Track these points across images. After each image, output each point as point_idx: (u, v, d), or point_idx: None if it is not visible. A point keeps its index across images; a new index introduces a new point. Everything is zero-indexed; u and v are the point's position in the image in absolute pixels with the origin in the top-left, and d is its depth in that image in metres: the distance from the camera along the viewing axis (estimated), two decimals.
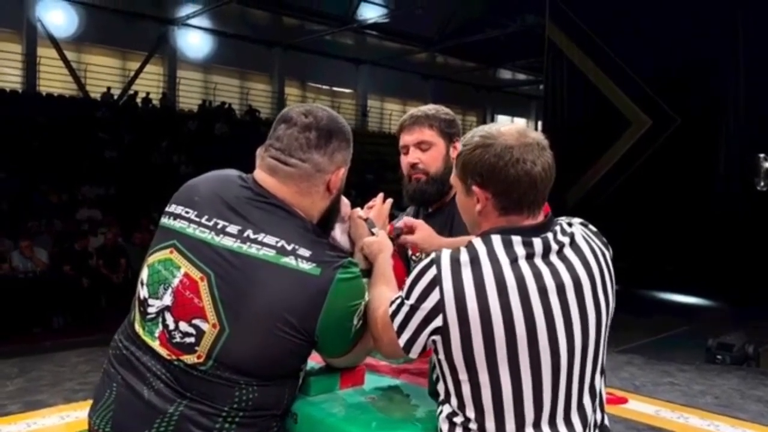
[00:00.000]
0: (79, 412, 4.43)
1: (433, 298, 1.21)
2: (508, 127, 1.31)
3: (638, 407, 5.04)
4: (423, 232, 1.74)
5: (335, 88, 22.24)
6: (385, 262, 1.54)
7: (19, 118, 12.58)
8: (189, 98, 18.32)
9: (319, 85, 21.92)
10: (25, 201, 10.40)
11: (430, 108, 1.99)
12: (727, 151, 10.72)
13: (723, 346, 6.69)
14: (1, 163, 11.34)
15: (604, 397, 1.35)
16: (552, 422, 1.23)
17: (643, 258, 9.99)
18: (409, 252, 2.09)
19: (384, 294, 1.41)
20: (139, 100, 16.55)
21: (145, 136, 14.46)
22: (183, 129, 16.04)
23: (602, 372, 1.32)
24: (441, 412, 1.30)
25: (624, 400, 5.08)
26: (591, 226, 1.38)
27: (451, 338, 1.21)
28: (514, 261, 1.21)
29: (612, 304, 1.31)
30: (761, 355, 6.65)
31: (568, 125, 12.45)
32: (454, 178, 1.39)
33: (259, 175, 1.42)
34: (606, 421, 1.35)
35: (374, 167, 16.48)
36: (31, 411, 4.60)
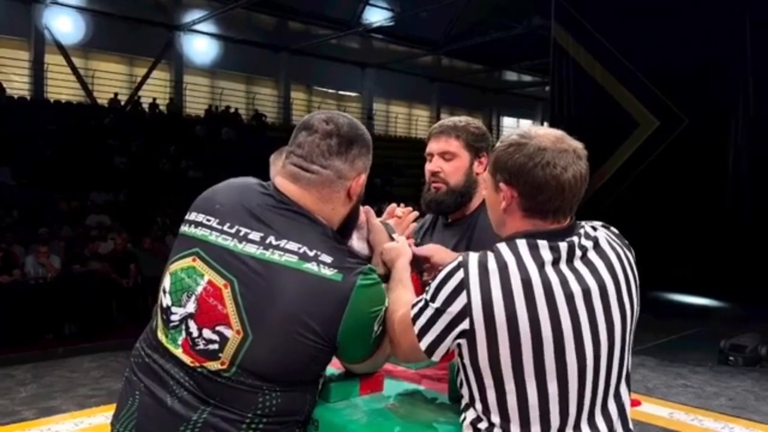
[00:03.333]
0: (93, 418, 4.43)
1: (460, 302, 1.20)
2: (548, 130, 1.29)
3: (652, 410, 5.02)
4: (435, 247, 1.74)
5: (341, 92, 22.30)
6: (403, 268, 1.53)
7: (28, 125, 12.65)
8: (196, 103, 18.40)
9: (325, 89, 21.97)
10: (35, 208, 10.45)
11: (461, 119, 1.99)
12: (735, 151, 10.68)
13: (736, 347, 6.66)
14: (11, 169, 11.42)
15: (628, 403, 1.33)
16: (577, 427, 1.22)
17: (652, 259, 9.94)
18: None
19: (402, 298, 1.41)
20: (146, 105, 16.63)
21: (152, 141, 14.54)
22: (190, 134, 16.11)
23: (627, 376, 1.31)
24: (465, 417, 1.29)
25: (637, 403, 5.05)
26: (613, 229, 1.37)
27: (477, 343, 1.20)
28: (541, 267, 1.20)
29: (637, 307, 1.31)
30: None
31: (575, 127, 12.40)
32: (486, 173, 1.39)
33: (280, 182, 1.42)
34: (630, 426, 1.34)
35: (380, 171, 16.50)
36: (45, 417, 4.61)
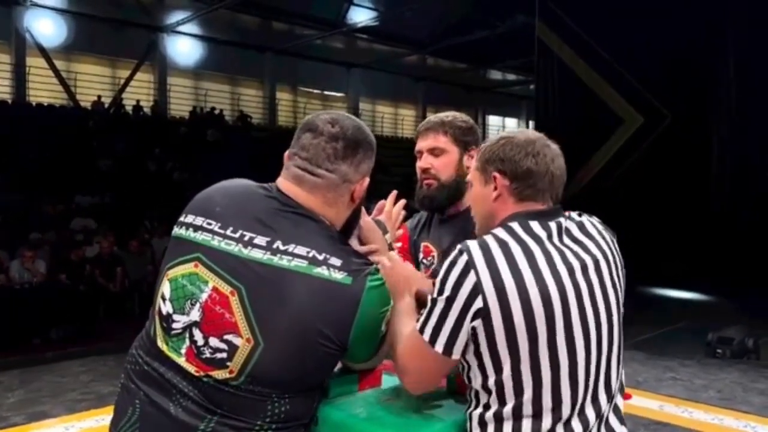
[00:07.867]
0: (83, 422, 4.40)
1: (470, 281, 1.21)
2: (528, 131, 1.43)
3: (642, 403, 5.06)
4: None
5: (327, 92, 22.26)
6: (411, 301, 1.46)
7: (10, 129, 12.50)
8: (180, 105, 18.27)
9: (311, 90, 21.92)
10: (19, 212, 10.33)
11: (447, 115, 1.99)
12: (719, 145, 10.80)
13: (723, 340, 6.72)
14: None
15: (623, 374, 1.39)
16: (584, 400, 1.26)
17: (639, 254, 10.00)
18: (420, 255, 2.08)
19: (407, 325, 1.37)
20: (130, 108, 16.50)
21: (137, 143, 14.42)
22: (175, 136, 16.00)
23: (621, 354, 1.36)
24: (474, 406, 1.30)
25: (628, 396, 5.07)
26: (594, 217, 1.43)
27: (492, 319, 1.20)
28: (539, 242, 1.27)
29: (623, 285, 1.37)
30: (761, 348, 6.69)
31: (560, 124, 12.50)
32: (471, 174, 1.43)
33: (284, 184, 1.38)
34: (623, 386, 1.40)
35: None
36: (34, 422, 4.57)
